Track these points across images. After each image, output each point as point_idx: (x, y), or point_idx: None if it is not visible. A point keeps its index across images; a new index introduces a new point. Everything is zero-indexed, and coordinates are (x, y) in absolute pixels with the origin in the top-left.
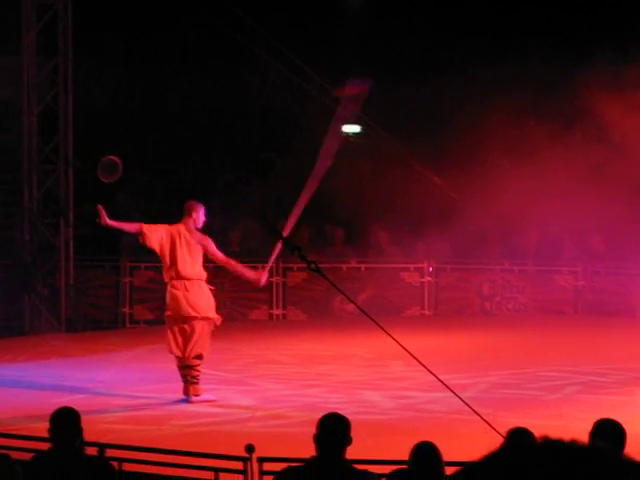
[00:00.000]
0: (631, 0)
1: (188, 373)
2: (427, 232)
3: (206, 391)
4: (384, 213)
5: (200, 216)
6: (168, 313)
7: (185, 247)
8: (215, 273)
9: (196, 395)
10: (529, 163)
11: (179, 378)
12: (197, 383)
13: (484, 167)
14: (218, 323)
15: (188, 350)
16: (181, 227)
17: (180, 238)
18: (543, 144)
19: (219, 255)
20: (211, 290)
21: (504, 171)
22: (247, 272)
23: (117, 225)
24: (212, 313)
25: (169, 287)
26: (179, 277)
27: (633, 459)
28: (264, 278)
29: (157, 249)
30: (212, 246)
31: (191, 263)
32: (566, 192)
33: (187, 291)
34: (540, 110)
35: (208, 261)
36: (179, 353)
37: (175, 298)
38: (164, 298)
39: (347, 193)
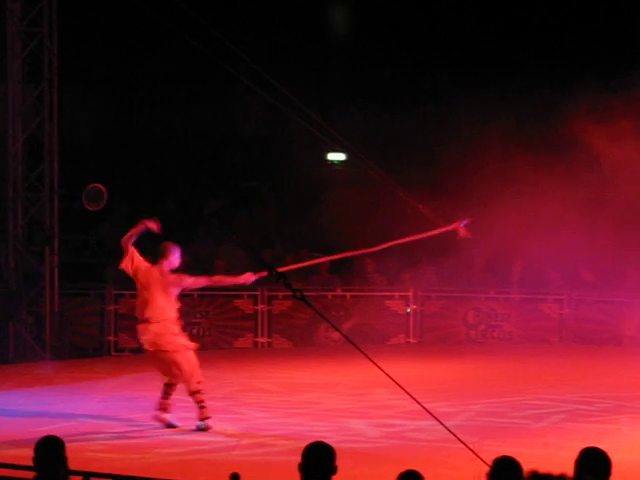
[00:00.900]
0: (613, 30)
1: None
2: (413, 260)
3: (187, 420)
4: (370, 241)
5: (175, 258)
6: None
7: (160, 290)
8: (199, 302)
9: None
10: (515, 192)
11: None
12: (204, 407)
13: (470, 196)
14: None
15: (187, 381)
16: (155, 270)
17: (155, 281)
18: (529, 174)
19: (201, 281)
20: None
21: (490, 200)
22: (234, 278)
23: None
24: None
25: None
26: (150, 319)
27: None
28: (252, 277)
29: (131, 273)
30: (188, 280)
31: (164, 305)
32: (552, 221)
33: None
34: (526, 140)
35: (194, 290)
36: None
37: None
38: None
39: (332, 221)
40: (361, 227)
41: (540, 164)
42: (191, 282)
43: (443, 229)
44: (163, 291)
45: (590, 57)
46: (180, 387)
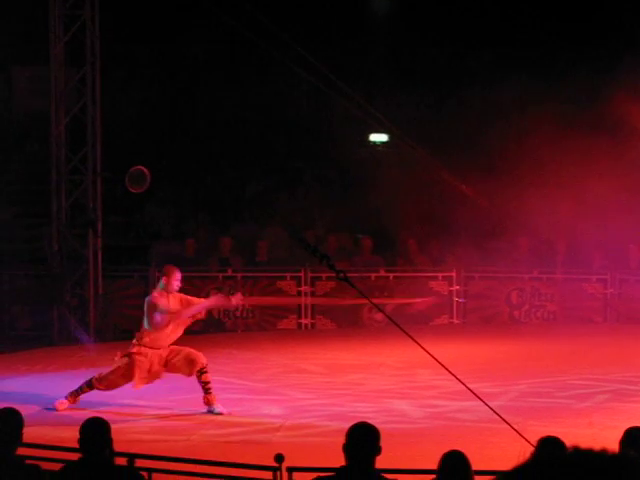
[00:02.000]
0: None
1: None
2: (456, 241)
3: (231, 401)
4: (413, 222)
5: (172, 281)
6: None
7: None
8: (243, 283)
9: (208, 405)
10: (560, 173)
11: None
12: (210, 393)
13: (514, 176)
14: None
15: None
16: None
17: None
18: (574, 154)
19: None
20: None
21: (534, 181)
22: (207, 302)
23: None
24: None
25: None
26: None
27: None
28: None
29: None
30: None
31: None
32: (597, 201)
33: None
34: (571, 121)
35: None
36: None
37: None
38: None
39: (375, 202)
40: (404, 208)
41: (585, 145)
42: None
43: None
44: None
45: (632, 37)
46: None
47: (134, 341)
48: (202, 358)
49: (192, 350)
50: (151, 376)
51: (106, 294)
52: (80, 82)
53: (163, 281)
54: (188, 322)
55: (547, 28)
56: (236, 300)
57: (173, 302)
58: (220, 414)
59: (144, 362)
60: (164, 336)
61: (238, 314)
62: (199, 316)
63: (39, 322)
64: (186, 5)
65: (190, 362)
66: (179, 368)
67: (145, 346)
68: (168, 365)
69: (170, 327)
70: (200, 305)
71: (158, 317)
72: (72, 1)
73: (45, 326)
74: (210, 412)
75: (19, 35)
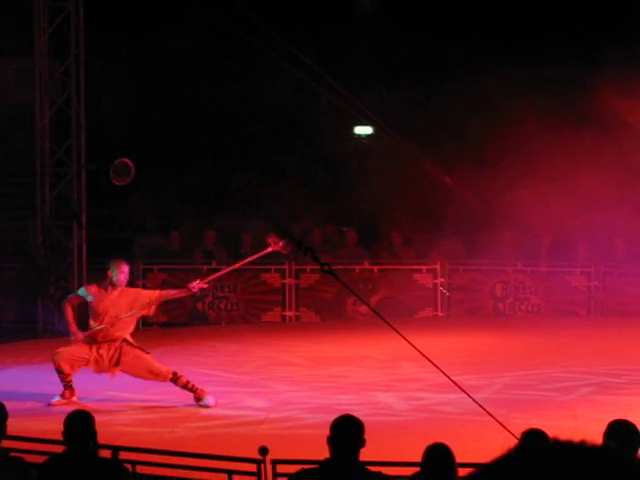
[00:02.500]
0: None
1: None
2: (441, 234)
3: (215, 393)
4: (398, 215)
5: (118, 274)
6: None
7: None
8: (227, 275)
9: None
10: (545, 165)
11: (192, 380)
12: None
13: (500, 169)
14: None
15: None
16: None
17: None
18: (559, 146)
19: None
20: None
21: (519, 173)
22: (179, 291)
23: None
24: None
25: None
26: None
27: None
28: (195, 285)
29: None
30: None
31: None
32: (582, 194)
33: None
34: (557, 112)
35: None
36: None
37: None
38: (177, 301)
39: (360, 195)
40: (388, 201)
41: (572, 137)
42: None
43: (262, 253)
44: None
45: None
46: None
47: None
48: (165, 373)
49: (153, 362)
50: (96, 366)
51: None
52: (64, 74)
53: (108, 274)
54: (143, 313)
55: (532, 19)
56: (194, 286)
57: (118, 298)
58: (207, 406)
59: (83, 348)
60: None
61: (222, 306)
62: (146, 312)
63: (23, 314)
64: None
65: (151, 372)
66: (133, 368)
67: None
68: (120, 364)
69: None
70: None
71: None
72: None
73: (30, 318)
74: (201, 405)
75: (4, 27)
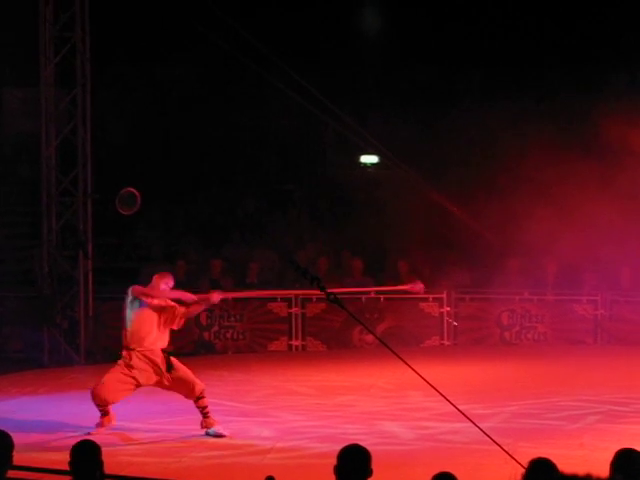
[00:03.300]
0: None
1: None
2: (446, 262)
3: (222, 423)
4: (404, 244)
5: (159, 285)
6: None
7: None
8: (234, 305)
9: (206, 428)
10: (553, 194)
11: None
12: (208, 417)
13: (506, 197)
14: None
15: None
16: None
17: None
18: (565, 175)
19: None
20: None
21: (525, 202)
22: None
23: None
24: None
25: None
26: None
27: None
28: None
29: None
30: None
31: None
32: (587, 222)
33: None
34: (561, 141)
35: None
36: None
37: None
38: (184, 330)
39: (366, 224)
40: (394, 230)
41: (578, 166)
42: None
43: (398, 287)
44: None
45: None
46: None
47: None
48: (199, 385)
49: (190, 373)
50: (146, 380)
51: (96, 316)
52: (70, 103)
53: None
54: (173, 326)
55: (539, 47)
56: (215, 297)
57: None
58: (220, 436)
59: (124, 372)
60: (149, 337)
61: (229, 335)
62: (175, 326)
63: (29, 344)
64: (177, 26)
65: (191, 384)
66: (179, 381)
67: (128, 348)
68: (164, 379)
69: (154, 330)
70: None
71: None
72: (62, 23)
73: (35, 348)
74: (209, 434)
75: (10, 57)
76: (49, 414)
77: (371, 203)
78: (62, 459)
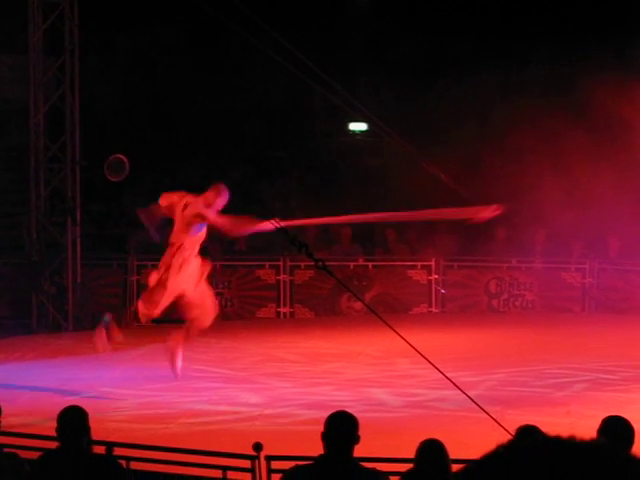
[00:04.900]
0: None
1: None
2: (434, 230)
3: (210, 390)
4: (392, 211)
5: (218, 199)
6: None
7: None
8: (222, 271)
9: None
10: (539, 162)
11: (186, 376)
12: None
13: (494, 166)
14: None
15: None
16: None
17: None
18: (553, 143)
19: (222, 222)
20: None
21: (513, 170)
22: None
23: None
24: None
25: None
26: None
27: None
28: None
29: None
30: (211, 216)
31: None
32: (577, 190)
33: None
34: (550, 110)
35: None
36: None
37: None
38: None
39: (354, 191)
40: (383, 197)
41: (564, 134)
42: (211, 217)
43: (468, 211)
44: (183, 222)
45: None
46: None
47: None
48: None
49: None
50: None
51: (84, 282)
52: (59, 70)
53: (209, 197)
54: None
55: (527, 17)
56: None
57: None
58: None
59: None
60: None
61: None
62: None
63: (18, 310)
64: None
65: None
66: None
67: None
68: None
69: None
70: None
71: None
72: None
73: (24, 314)
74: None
75: None
76: (37, 380)
77: (360, 171)
78: (49, 425)
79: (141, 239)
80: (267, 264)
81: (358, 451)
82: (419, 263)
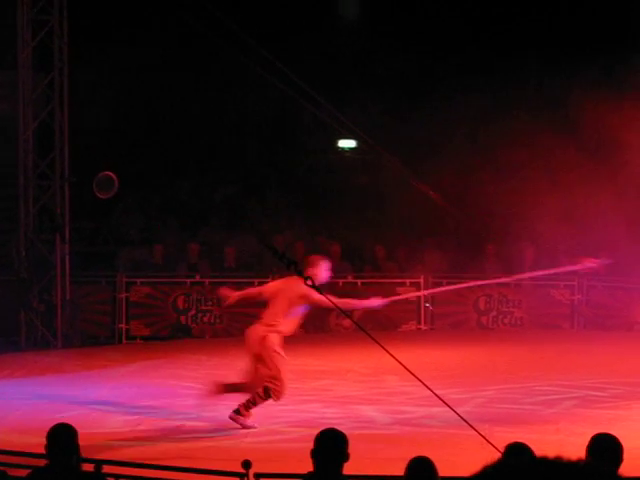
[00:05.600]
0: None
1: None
2: (423, 247)
3: (199, 407)
4: (380, 228)
5: (321, 272)
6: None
7: (284, 299)
8: (210, 289)
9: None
10: (530, 180)
11: (176, 393)
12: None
13: (483, 183)
14: None
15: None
16: (291, 281)
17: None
18: (542, 161)
19: (326, 302)
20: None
21: (503, 188)
22: (361, 302)
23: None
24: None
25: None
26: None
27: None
28: (380, 301)
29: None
30: (315, 296)
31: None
32: (565, 208)
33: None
34: (539, 127)
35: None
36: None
37: None
38: (161, 314)
39: (344, 208)
40: (372, 215)
41: (554, 151)
42: (317, 299)
43: (572, 267)
44: (285, 301)
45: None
46: None
47: (265, 328)
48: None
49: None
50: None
51: (73, 300)
52: (48, 87)
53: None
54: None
55: (515, 35)
56: (378, 302)
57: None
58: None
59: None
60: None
61: (206, 320)
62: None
63: (6, 327)
64: (155, 10)
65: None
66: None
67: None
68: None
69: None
70: (360, 304)
71: (301, 309)
72: (40, 6)
73: (12, 331)
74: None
75: None
76: (26, 397)
77: (348, 188)
78: (38, 442)
79: (130, 256)
80: (256, 281)
81: (348, 469)
82: (408, 280)
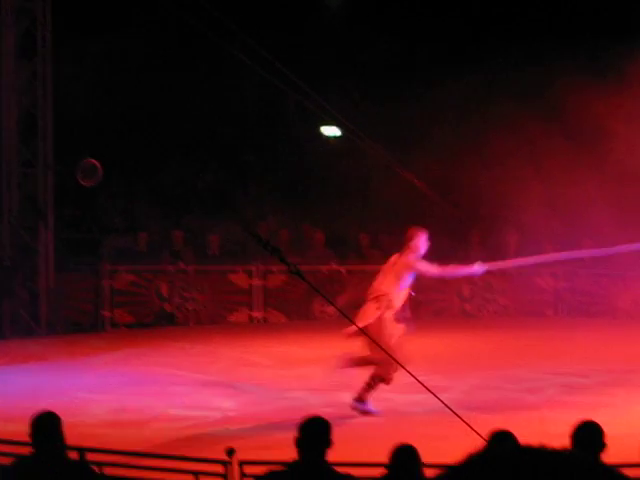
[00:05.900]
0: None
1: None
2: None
3: (183, 395)
4: (365, 216)
5: (419, 243)
6: None
7: (389, 272)
8: (195, 277)
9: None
10: (514, 167)
11: (160, 381)
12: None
13: (468, 170)
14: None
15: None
16: (396, 256)
17: (389, 264)
18: (525, 147)
19: (433, 270)
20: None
21: (485, 174)
22: (465, 269)
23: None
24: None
25: None
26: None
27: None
28: (482, 267)
29: None
30: (420, 265)
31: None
32: (549, 194)
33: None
34: (526, 115)
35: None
36: None
37: None
38: (145, 302)
39: (328, 196)
40: (356, 202)
41: (536, 137)
42: (423, 268)
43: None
44: (391, 273)
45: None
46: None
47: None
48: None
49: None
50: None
51: (57, 287)
52: (32, 75)
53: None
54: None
55: (499, 21)
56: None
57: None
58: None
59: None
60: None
61: (190, 307)
62: None
63: None
64: None
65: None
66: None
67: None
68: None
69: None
70: (463, 270)
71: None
72: None
73: None
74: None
75: None
76: (9, 385)
77: (332, 175)
78: (23, 430)
79: (114, 244)
80: (240, 269)
81: (331, 456)
82: None
